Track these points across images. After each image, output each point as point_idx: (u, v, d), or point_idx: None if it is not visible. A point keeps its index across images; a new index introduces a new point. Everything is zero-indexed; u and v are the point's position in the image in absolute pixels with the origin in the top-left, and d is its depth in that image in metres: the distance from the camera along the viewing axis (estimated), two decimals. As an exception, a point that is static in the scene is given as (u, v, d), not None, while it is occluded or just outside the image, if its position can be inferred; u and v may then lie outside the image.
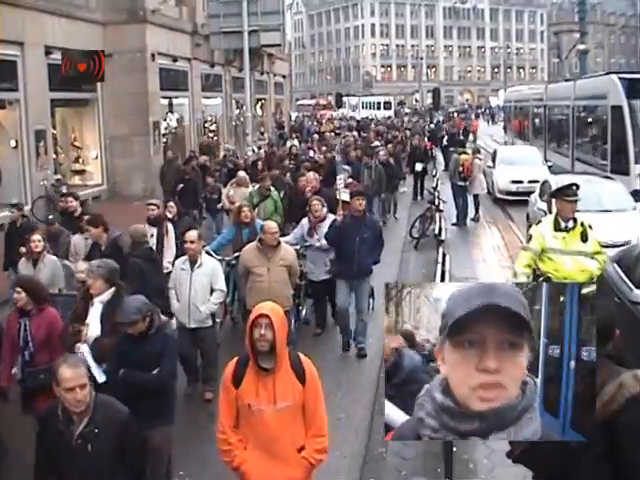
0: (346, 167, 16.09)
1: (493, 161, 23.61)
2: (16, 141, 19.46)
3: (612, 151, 19.07)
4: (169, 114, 27.76)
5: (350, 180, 14.94)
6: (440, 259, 11.96)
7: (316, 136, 28.69)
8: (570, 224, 7.71)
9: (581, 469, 3.58)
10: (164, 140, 26.07)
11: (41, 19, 19.79)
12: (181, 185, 16.29)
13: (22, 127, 19.36)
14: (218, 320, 9.26)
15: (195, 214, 16.16)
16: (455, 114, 56.46)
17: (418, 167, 22.88)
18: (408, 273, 14.11)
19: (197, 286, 8.05)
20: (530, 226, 15.41)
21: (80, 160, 24.15)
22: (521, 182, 21.16)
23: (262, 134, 32.71)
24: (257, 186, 13.39)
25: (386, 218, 18.89)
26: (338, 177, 10.58)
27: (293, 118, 50.38)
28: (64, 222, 10.82)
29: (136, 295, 6.05)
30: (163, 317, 6.10)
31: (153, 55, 24.06)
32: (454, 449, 5.78)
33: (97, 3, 22.94)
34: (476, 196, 19.59)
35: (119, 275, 6.82)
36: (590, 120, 22.55)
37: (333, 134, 30.03)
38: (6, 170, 19.44)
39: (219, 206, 15.49)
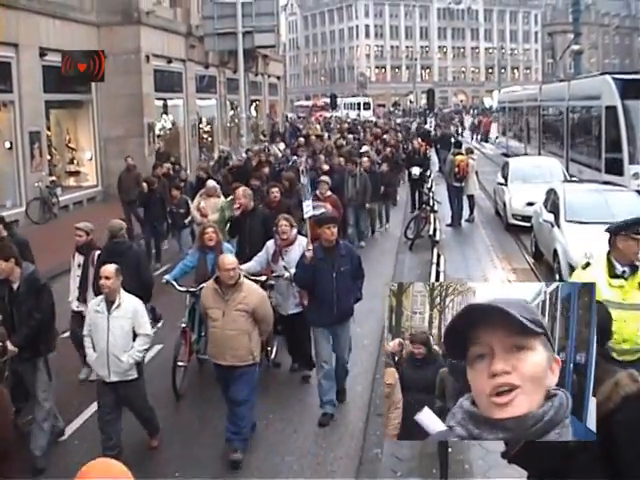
0: (324, 178, 13.75)
1: (504, 177, 19.82)
2: (11, 143, 19.45)
3: (606, 151, 19.12)
4: (164, 115, 27.76)
5: (329, 193, 13.49)
6: (435, 260, 11.99)
7: (302, 139, 27.64)
8: (627, 269, 5.99)
9: (577, 469, 3.58)
10: (158, 142, 26.05)
11: (35, 20, 19.79)
12: (151, 187, 14.74)
13: (17, 129, 19.35)
14: (181, 364, 8.43)
15: (163, 230, 15.13)
16: (475, 113, 53.76)
17: (415, 171, 20.42)
18: (403, 274, 14.13)
19: (116, 332, 6.75)
20: (536, 243, 15.16)
21: (75, 161, 24.16)
22: None
23: (264, 135, 32.48)
24: (229, 198, 11.87)
25: (374, 230, 17.91)
26: (305, 203, 8.17)
27: (289, 119, 49.98)
28: None
29: None
30: None
31: (147, 56, 24.08)
32: (449, 450, 5.79)
33: (91, 4, 22.95)
34: (471, 197, 19.61)
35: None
36: (584, 121, 22.56)
37: (322, 138, 28.91)
38: (0, 172, 19.46)
39: (186, 221, 14.16)
